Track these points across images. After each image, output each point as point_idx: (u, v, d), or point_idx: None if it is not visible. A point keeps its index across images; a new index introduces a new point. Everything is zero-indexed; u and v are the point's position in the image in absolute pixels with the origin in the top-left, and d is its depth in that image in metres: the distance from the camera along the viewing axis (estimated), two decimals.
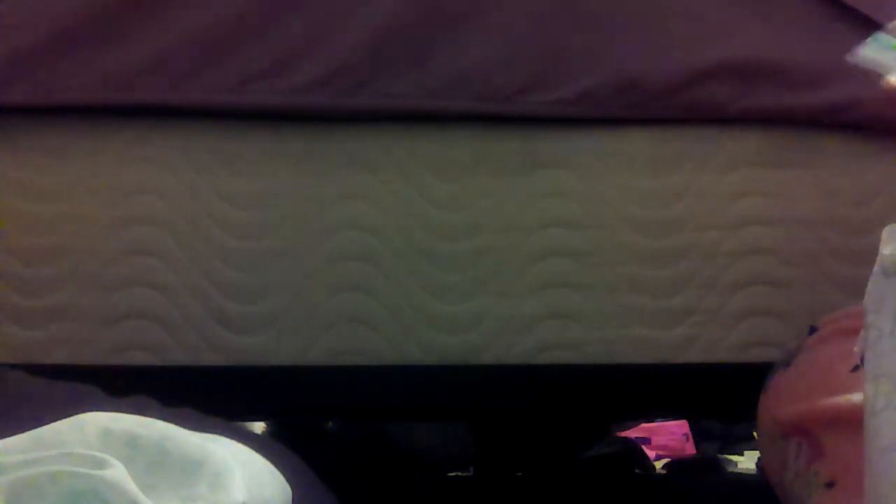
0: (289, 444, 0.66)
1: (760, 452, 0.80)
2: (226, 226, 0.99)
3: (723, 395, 1.41)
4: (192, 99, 0.98)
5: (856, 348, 0.51)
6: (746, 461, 2.43)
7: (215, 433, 0.55)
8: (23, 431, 0.47)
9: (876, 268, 0.52)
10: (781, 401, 0.74)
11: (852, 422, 0.63)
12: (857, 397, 0.63)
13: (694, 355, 1.02)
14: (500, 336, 1.00)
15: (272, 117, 1.00)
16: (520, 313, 1.00)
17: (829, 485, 0.65)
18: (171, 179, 0.99)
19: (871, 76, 0.62)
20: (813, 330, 0.76)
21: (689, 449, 2.75)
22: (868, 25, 1.04)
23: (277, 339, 0.98)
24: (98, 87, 0.97)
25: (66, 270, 0.97)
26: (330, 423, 2.13)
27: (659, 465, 2.30)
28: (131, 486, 0.43)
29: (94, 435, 0.47)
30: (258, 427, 2.04)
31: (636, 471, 2.10)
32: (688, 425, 2.74)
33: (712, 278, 1.02)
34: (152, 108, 0.99)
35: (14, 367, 0.64)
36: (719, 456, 2.53)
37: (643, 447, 2.32)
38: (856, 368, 0.65)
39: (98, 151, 0.99)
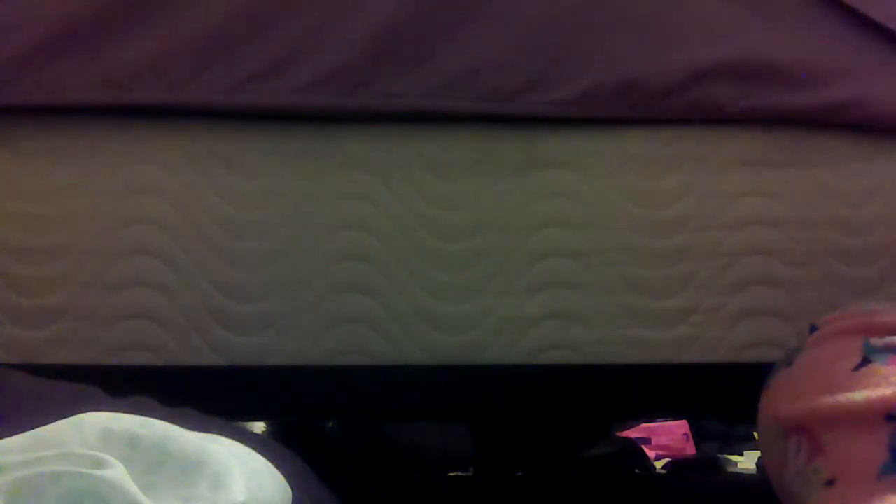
0: (289, 444, 0.66)
1: (760, 451, 0.80)
2: (226, 226, 0.99)
3: (723, 395, 1.41)
4: (192, 99, 0.98)
5: None
6: (746, 461, 2.44)
7: (215, 433, 0.55)
8: (23, 431, 0.47)
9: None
10: (782, 399, 0.74)
11: (852, 420, 0.63)
12: (857, 396, 0.63)
13: (694, 355, 1.02)
14: (500, 336, 1.00)
15: (272, 117, 1.00)
16: (520, 313, 1.00)
17: (829, 482, 0.65)
18: (171, 179, 0.99)
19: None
20: (813, 329, 0.76)
21: (689, 449, 2.76)
22: (868, 25, 1.04)
23: (277, 339, 0.98)
24: (98, 87, 0.97)
25: (66, 270, 0.97)
26: (330, 424, 2.13)
27: (659, 465, 2.30)
28: (131, 486, 0.43)
29: (94, 435, 0.47)
30: (258, 427, 2.04)
31: (636, 471, 2.10)
32: (688, 425, 2.75)
33: (712, 278, 1.02)
34: (152, 108, 0.99)
35: (14, 367, 0.64)
36: (719, 456, 2.54)
37: (643, 447, 2.32)
38: (857, 367, 0.65)
39: (98, 151, 0.99)
